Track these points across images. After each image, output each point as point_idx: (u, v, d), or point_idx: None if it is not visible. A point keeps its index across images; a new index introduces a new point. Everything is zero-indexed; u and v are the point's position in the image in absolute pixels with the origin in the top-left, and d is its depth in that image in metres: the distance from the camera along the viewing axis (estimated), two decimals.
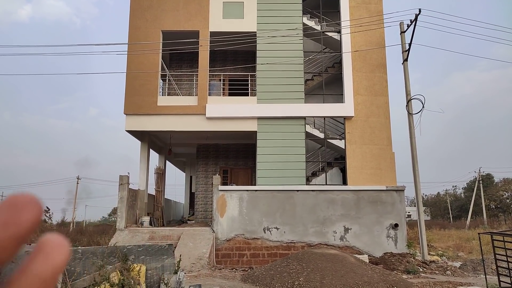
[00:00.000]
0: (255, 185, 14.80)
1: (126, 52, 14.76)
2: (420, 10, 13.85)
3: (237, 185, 16.23)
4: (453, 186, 68.02)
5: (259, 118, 14.59)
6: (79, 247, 7.38)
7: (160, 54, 15.06)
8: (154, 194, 17.08)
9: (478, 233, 9.78)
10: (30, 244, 7.52)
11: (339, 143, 14.73)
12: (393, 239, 13.40)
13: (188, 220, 18.93)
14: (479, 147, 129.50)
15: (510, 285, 7.78)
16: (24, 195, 0.35)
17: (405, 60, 14.68)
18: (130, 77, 14.67)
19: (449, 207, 60.73)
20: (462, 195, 62.37)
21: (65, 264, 0.35)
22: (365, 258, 11.88)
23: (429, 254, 14.02)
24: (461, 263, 13.49)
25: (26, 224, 0.34)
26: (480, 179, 48.63)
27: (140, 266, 6.59)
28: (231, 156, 18.45)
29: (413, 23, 14.17)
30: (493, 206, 54.18)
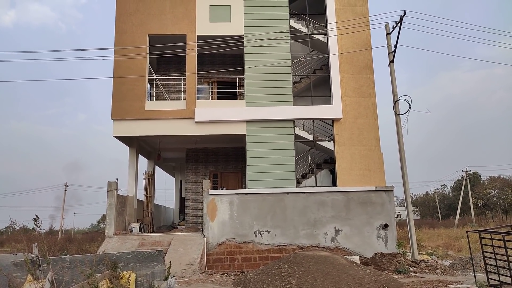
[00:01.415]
0: (245, 188, 14.77)
1: (113, 57, 14.63)
2: (404, 12, 14.01)
3: (227, 189, 16.17)
4: (441, 185, 68.96)
5: (248, 121, 14.58)
6: (67, 256, 7.25)
7: (147, 59, 14.96)
8: (143, 200, 16.92)
9: (467, 232, 9.90)
10: (16, 254, 7.37)
11: (328, 145, 14.80)
12: (384, 239, 13.49)
13: (179, 225, 18.79)
14: (466, 146, 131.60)
15: (498, 282, 7.88)
16: None
17: (391, 61, 14.83)
18: (117, 82, 14.53)
19: (438, 206, 61.47)
20: (450, 194, 63.17)
21: None
22: (356, 259, 11.93)
23: (419, 253, 14.14)
24: (450, 261, 13.62)
25: None
26: (467, 177, 49.35)
27: (130, 274, 6.50)
28: (221, 160, 18.39)
29: (399, 25, 14.33)
30: (481, 204, 54.96)
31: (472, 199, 48.60)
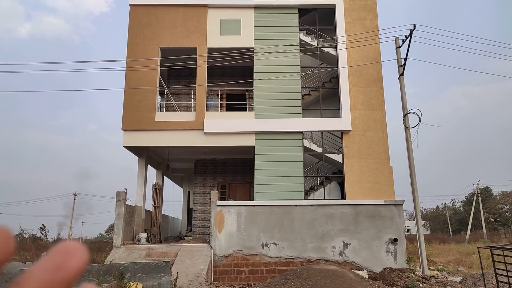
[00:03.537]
0: (253, 200, 14.73)
1: (125, 69, 14.86)
2: (414, 26, 14.05)
3: (235, 200, 16.15)
4: (451, 200, 67.89)
5: (257, 133, 14.62)
6: None
7: (158, 70, 15.16)
8: (151, 210, 16.96)
9: (478, 248, 9.73)
10: (24, 263, 7.42)
11: (337, 158, 14.74)
12: (393, 254, 13.29)
13: (186, 236, 18.77)
14: (477, 161, 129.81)
15: None
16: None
17: (401, 74, 14.83)
18: (128, 93, 14.73)
19: (449, 221, 60.49)
20: (461, 208, 62.19)
21: (81, 270, 0.39)
22: (364, 273, 11.76)
23: (429, 269, 13.90)
24: (461, 278, 13.37)
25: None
26: (479, 192, 48.59)
27: (137, 284, 6.50)
28: (229, 171, 18.41)
29: (408, 39, 14.36)
30: (493, 220, 54.01)
31: (484, 214, 47.77)
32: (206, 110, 15.08)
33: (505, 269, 8.04)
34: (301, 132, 14.69)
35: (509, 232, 48.54)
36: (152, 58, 14.96)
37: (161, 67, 15.62)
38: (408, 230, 45.25)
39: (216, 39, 15.32)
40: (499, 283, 8.18)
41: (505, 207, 53.66)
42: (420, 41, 14.70)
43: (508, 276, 7.90)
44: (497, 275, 8.27)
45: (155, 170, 19.24)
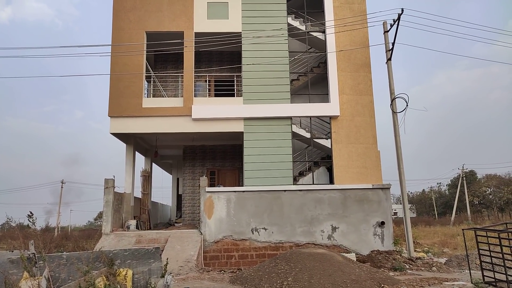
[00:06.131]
0: (242, 186, 14.77)
1: (110, 54, 14.56)
2: (402, 10, 14.02)
3: (224, 186, 16.17)
4: (437, 183, 69.21)
5: (246, 119, 14.57)
6: (64, 253, 7.24)
7: (145, 55, 14.91)
8: (140, 197, 16.90)
9: (462, 229, 9.96)
10: (12, 251, 7.35)
11: (326, 143, 14.82)
12: (380, 237, 13.54)
13: (176, 222, 18.79)
14: (463, 145, 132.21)
15: (493, 279, 7.93)
16: None
17: (389, 59, 14.85)
18: (114, 79, 14.48)
19: (434, 204, 61.74)
20: (447, 191, 63.50)
21: None
22: (352, 256, 11.97)
23: (415, 251, 14.22)
24: (446, 259, 13.71)
25: None
26: (464, 175, 49.57)
27: (127, 271, 6.49)
28: (218, 157, 18.38)
29: (396, 23, 14.34)
30: (477, 202, 55.33)
31: (468, 197, 48.87)
32: (194, 96, 14.93)
33: (488, 249, 8.26)
34: (290, 118, 14.69)
35: (492, 214, 49.87)
36: (138, 43, 14.68)
37: (147, 52, 15.35)
38: (395, 213, 46.09)
39: (203, 23, 15.07)
40: (483, 263, 8.40)
41: (489, 190, 54.96)
42: (408, 25, 14.70)
43: (491, 257, 8.13)
44: (481, 256, 8.49)
45: (143, 157, 19.11)
